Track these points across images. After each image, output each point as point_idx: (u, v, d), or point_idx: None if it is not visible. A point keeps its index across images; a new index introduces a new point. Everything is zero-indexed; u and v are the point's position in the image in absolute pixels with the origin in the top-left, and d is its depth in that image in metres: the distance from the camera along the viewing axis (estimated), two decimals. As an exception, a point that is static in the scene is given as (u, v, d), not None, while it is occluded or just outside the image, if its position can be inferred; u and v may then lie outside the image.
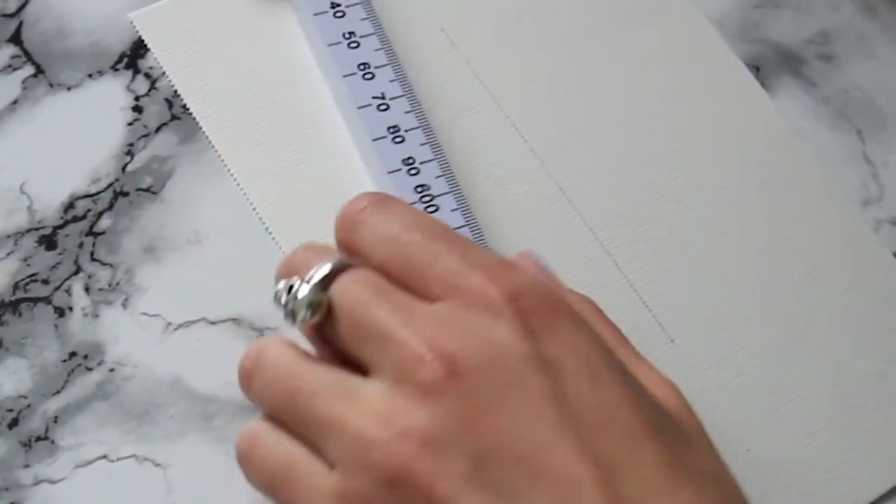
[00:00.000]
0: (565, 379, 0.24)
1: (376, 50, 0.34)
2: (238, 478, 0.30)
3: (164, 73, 0.35)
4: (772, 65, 0.39)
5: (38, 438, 0.30)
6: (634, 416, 0.24)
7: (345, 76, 0.34)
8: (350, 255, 0.27)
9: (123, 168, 0.33)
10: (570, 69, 0.37)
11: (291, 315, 0.26)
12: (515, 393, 0.23)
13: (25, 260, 0.32)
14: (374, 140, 0.33)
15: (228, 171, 0.33)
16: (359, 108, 0.33)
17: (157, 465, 0.30)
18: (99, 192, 0.33)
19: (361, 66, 0.34)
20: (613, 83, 0.37)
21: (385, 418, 0.24)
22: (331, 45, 0.34)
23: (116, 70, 0.35)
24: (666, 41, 0.38)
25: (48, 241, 0.32)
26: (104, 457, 0.30)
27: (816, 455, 0.33)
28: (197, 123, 0.34)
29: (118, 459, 0.30)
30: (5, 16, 0.35)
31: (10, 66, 0.34)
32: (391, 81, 0.34)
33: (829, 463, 0.33)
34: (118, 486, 0.30)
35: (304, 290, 0.25)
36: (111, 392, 0.31)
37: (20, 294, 0.31)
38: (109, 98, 0.34)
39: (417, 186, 0.32)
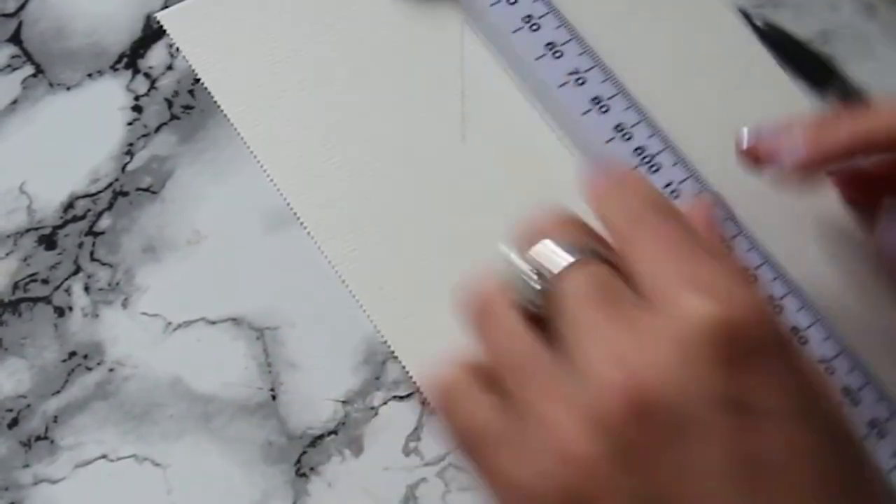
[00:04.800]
0: (751, 425, 0.23)
1: (556, 28, 0.35)
2: (237, 477, 0.30)
3: (163, 73, 0.35)
4: (771, 65, 0.39)
5: (38, 438, 0.30)
6: (811, 467, 0.23)
7: (536, 59, 0.35)
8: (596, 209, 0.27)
9: (123, 168, 0.33)
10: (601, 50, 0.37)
11: (520, 292, 0.26)
12: (695, 434, 0.23)
13: (25, 260, 0.32)
14: (583, 114, 0.34)
15: (263, 169, 0.33)
16: (559, 86, 0.34)
17: (157, 464, 0.30)
18: (98, 192, 0.33)
19: (548, 46, 0.35)
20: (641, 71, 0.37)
21: (563, 441, 0.24)
22: (515, 31, 0.35)
23: (116, 70, 0.35)
24: (690, 28, 0.38)
25: (48, 241, 0.32)
26: (104, 456, 0.30)
27: None
28: (196, 123, 0.34)
29: (118, 459, 0.30)
30: (5, 15, 0.35)
31: (9, 65, 0.34)
32: (580, 55, 0.35)
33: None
34: (118, 486, 0.30)
35: (536, 279, 0.25)
36: (111, 392, 0.31)
37: (20, 294, 0.31)
38: (109, 98, 0.34)
39: (636, 149, 0.33)
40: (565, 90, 0.34)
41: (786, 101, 0.38)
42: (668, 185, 0.33)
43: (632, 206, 0.26)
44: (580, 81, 0.34)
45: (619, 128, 0.34)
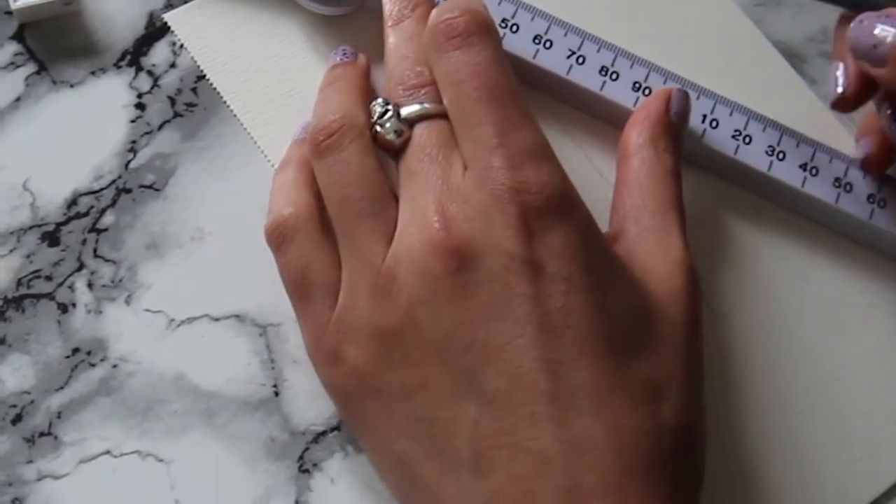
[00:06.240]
0: (542, 282, 0.26)
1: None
2: (240, 473, 0.30)
3: (166, 71, 0.35)
4: (772, 62, 0.39)
5: (42, 434, 0.30)
6: (590, 324, 0.26)
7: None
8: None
9: (126, 165, 0.34)
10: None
11: (380, 129, 0.29)
12: (496, 287, 0.26)
13: (28, 256, 0.32)
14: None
15: (272, 166, 0.33)
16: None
17: (161, 460, 0.30)
18: (102, 189, 0.33)
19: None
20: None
21: (386, 278, 0.27)
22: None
23: (119, 67, 0.35)
24: (695, 24, 0.38)
25: (51, 238, 0.32)
26: (107, 452, 0.30)
27: (865, 428, 0.33)
28: (199, 120, 0.34)
29: (121, 455, 0.30)
30: (8, 13, 0.35)
31: (12, 63, 0.34)
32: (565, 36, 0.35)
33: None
34: (121, 482, 0.30)
35: (394, 118, 0.29)
36: (114, 388, 0.31)
37: (23, 290, 0.32)
38: (112, 95, 0.34)
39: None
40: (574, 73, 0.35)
41: (789, 91, 0.38)
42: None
43: (462, 61, 0.29)
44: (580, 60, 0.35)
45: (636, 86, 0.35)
